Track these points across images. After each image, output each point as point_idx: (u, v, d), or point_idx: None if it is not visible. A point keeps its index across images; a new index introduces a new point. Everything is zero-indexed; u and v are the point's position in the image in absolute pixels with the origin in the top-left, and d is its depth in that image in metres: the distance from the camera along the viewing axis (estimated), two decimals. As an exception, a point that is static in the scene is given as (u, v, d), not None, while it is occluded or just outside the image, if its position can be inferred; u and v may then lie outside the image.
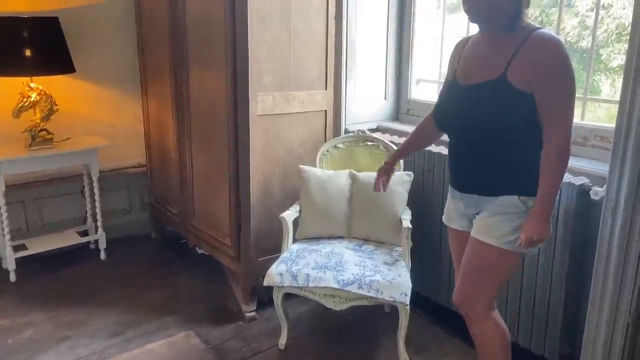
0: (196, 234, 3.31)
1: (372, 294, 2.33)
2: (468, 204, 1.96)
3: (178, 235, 3.68)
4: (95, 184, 3.46)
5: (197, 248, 3.54)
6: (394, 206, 2.68)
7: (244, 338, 2.73)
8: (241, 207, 2.82)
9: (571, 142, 1.75)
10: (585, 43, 2.56)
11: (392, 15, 3.20)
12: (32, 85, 3.16)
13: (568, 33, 2.64)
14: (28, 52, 3.06)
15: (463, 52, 1.93)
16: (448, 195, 2.10)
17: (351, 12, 3.00)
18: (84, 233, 3.67)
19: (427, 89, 3.29)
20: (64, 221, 3.67)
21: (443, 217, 2.15)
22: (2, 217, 3.19)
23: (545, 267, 2.32)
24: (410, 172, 2.76)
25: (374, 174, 2.76)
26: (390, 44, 3.23)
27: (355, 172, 2.79)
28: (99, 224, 3.56)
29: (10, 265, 3.24)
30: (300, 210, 2.76)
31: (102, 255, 3.59)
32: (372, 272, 2.39)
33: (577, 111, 2.24)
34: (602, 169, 2.19)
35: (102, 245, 3.58)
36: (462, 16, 2.98)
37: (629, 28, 1.88)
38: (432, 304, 2.90)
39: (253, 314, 2.89)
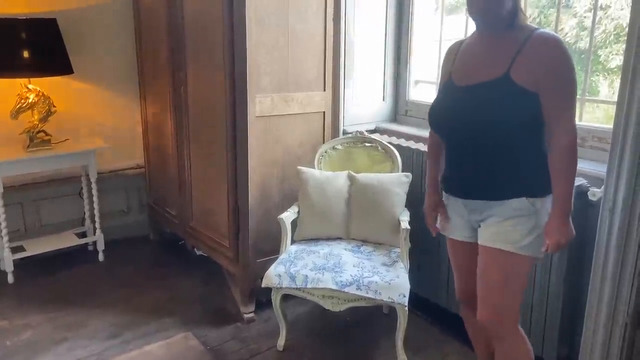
0: (194, 235, 3.31)
1: (370, 295, 2.33)
2: (472, 211, 1.86)
3: (176, 237, 3.68)
4: (94, 186, 3.46)
5: (195, 249, 3.54)
6: (392, 207, 2.68)
7: (242, 339, 2.73)
8: (240, 208, 2.82)
9: None
10: (584, 44, 2.57)
11: (390, 17, 3.20)
12: (30, 86, 3.16)
13: (566, 34, 2.65)
14: (26, 54, 3.07)
15: (458, 54, 1.89)
16: (445, 203, 2.00)
17: (349, 13, 3.01)
18: (82, 235, 3.67)
19: (425, 90, 3.29)
20: (62, 223, 3.67)
21: (439, 226, 2.04)
22: (0, 218, 3.19)
23: (543, 267, 2.32)
24: (409, 174, 2.76)
25: (372, 175, 2.78)
26: (389, 45, 3.24)
27: (354, 173, 2.79)
28: (97, 225, 3.56)
29: (8, 266, 3.24)
30: (298, 212, 2.76)
31: (101, 257, 3.59)
32: (370, 273, 2.39)
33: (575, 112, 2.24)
34: (600, 169, 2.19)
35: (101, 246, 3.58)
36: (461, 18, 3.00)
37: (627, 29, 1.88)
38: (430, 305, 2.90)
39: (251, 315, 2.89)
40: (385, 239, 2.70)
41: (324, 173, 2.82)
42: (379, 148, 2.92)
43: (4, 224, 3.20)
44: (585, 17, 2.56)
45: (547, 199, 1.75)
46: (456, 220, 1.95)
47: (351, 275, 2.37)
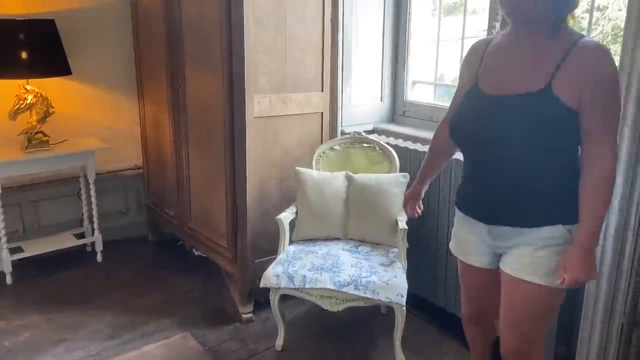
0: (193, 235, 3.31)
1: (368, 295, 2.34)
2: (497, 237, 1.67)
3: (175, 238, 3.68)
4: (92, 186, 3.46)
5: (194, 250, 3.55)
6: (390, 207, 2.69)
7: (240, 339, 2.73)
8: (238, 208, 2.82)
9: None
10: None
11: (388, 17, 3.21)
12: (28, 87, 3.16)
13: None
14: (24, 55, 3.07)
15: (485, 55, 1.66)
16: (459, 222, 1.83)
17: (347, 14, 3.01)
18: (81, 235, 3.67)
19: (423, 90, 3.30)
20: (61, 223, 3.67)
21: (452, 247, 1.90)
22: (-2, 219, 3.20)
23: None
24: (406, 174, 2.77)
25: (370, 176, 2.79)
26: (387, 45, 3.24)
27: (352, 174, 2.80)
28: (96, 226, 3.56)
29: (6, 267, 3.24)
30: (296, 212, 2.77)
31: (99, 258, 3.59)
32: (368, 273, 2.40)
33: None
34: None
35: (99, 247, 3.58)
36: (458, 19, 3.01)
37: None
38: (428, 305, 2.91)
39: (250, 315, 2.90)
40: (383, 239, 2.71)
41: (322, 173, 2.83)
42: (377, 148, 2.93)
43: (2, 225, 3.20)
44: (582, 17, 2.56)
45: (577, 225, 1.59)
46: (475, 244, 1.76)
47: (349, 275, 2.38)
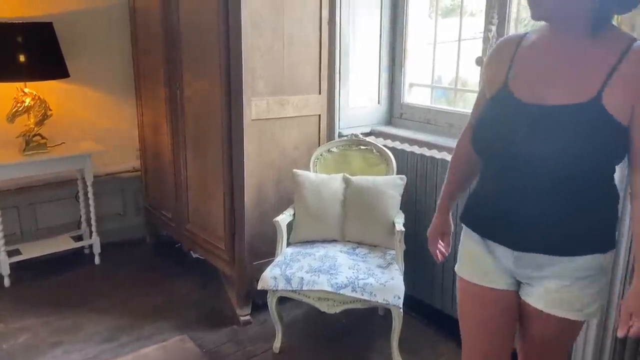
0: (191, 238, 3.32)
1: (365, 297, 2.34)
2: (525, 266, 1.45)
3: (172, 240, 3.68)
4: (90, 189, 3.47)
5: (191, 252, 3.55)
6: (387, 210, 2.70)
7: (238, 342, 2.74)
8: (235, 211, 2.83)
9: None
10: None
11: (385, 20, 3.21)
12: (26, 90, 3.16)
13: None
14: (22, 58, 3.07)
15: (516, 56, 1.43)
16: (474, 243, 1.55)
17: (344, 16, 3.02)
18: (78, 238, 3.66)
19: (420, 93, 3.31)
20: (58, 226, 3.67)
21: (461, 269, 1.62)
22: (-4, 222, 3.20)
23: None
24: (403, 176, 2.78)
25: (368, 178, 2.79)
26: (384, 48, 3.25)
27: (349, 176, 2.80)
28: (93, 228, 3.56)
29: (4, 270, 3.24)
30: (294, 214, 2.77)
31: (97, 260, 3.59)
32: (365, 275, 2.40)
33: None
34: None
35: (97, 249, 3.58)
36: (455, 21, 3.02)
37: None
38: (425, 307, 2.91)
39: (247, 317, 2.90)
40: (380, 241, 2.71)
41: (319, 176, 2.84)
42: (374, 151, 2.94)
43: (0, 228, 3.21)
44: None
45: (612, 253, 1.45)
46: (493, 265, 1.52)
47: (346, 278, 2.39)
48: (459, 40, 2.92)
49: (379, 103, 3.32)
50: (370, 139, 3.06)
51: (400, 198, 2.74)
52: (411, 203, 2.87)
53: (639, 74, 1.26)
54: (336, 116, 3.08)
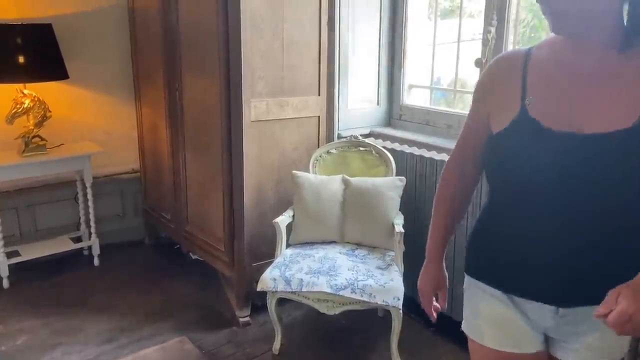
0: (190, 239, 3.31)
1: (365, 299, 2.34)
2: (567, 322, 1.23)
3: (172, 241, 3.68)
4: (89, 190, 3.46)
5: (190, 254, 3.55)
6: (387, 211, 2.70)
7: (238, 343, 2.73)
8: (235, 212, 2.83)
9: None
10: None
11: (384, 21, 3.22)
12: (25, 91, 3.16)
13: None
14: (21, 59, 3.07)
15: (528, 77, 1.21)
16: (489, 301, 1.31)
17: (344, 18, 3.02)
18: (78, 239, 3.66)
19: (419, 94, 3.32)
20: (57, 227, 3.66)
21: (479, 336, 1.35)
22: (-5, 223, 3.19)
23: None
24: (403, 177, 2.78)
25: (367, 179, 2.79)
26: (383, 50, 3.26)
27: (348, 177, 2.80)
28: (93, 230, 3.56)
29: (3, 271, 3.23)
30: (293, 215, 2.77)
31: (96, 262, 3.58)
32: (365, 277, 2.40)
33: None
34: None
35: (96, 251, 3.58)
36: (454, 22, 3.02)
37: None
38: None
39: (247, 319, 2.90)
40: (380, 242, 2.71)
41: (318, 177, 2.84)
42: (374, 152, 2.94)
43: (-1, 229, 3.21)
44: None
45: None
46: (527, 328, 1.28)
47: (346, 279, 2.39)
48: (458, 41, 2.93)
49: (378, 104, 3.33)
50: (370, 140, 3.06)
51: (399, 199, 2.74)
52: (410, 204, 2.87)
53: None
54: (335, 117, 3.08)
